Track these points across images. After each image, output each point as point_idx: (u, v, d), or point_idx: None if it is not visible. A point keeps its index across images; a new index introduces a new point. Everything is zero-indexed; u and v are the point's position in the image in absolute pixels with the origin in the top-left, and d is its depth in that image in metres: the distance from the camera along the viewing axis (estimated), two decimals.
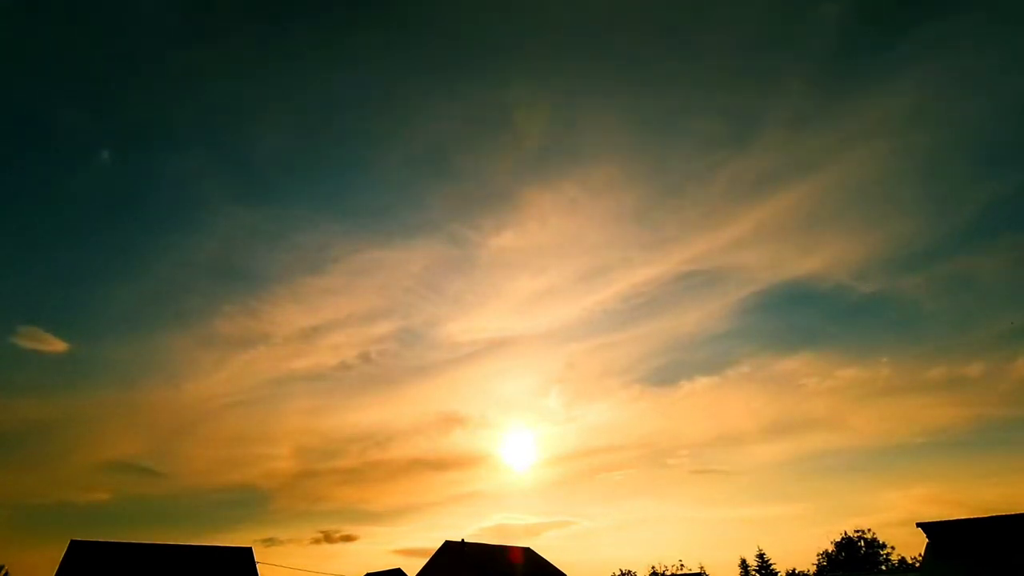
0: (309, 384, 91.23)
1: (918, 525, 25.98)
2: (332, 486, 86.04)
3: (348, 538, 72.91)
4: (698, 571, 60.32)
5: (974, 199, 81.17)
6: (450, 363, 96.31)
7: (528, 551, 46.48)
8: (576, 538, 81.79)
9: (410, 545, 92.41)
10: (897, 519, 71.92)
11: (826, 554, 60.14)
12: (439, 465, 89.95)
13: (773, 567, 61.73)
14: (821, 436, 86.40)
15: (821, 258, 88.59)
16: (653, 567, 65.98)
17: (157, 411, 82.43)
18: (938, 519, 25.68)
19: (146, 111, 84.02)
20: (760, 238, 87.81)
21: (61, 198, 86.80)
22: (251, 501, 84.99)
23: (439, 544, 40.49)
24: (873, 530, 59.39)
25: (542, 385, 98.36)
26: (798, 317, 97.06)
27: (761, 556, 62.01)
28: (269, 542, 67.29)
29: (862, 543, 59.07)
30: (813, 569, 60.99)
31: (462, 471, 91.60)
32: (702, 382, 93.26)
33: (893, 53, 79.96)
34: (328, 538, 71.98)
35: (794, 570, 62.65)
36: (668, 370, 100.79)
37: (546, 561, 46.16)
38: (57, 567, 28.44)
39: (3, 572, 29.62)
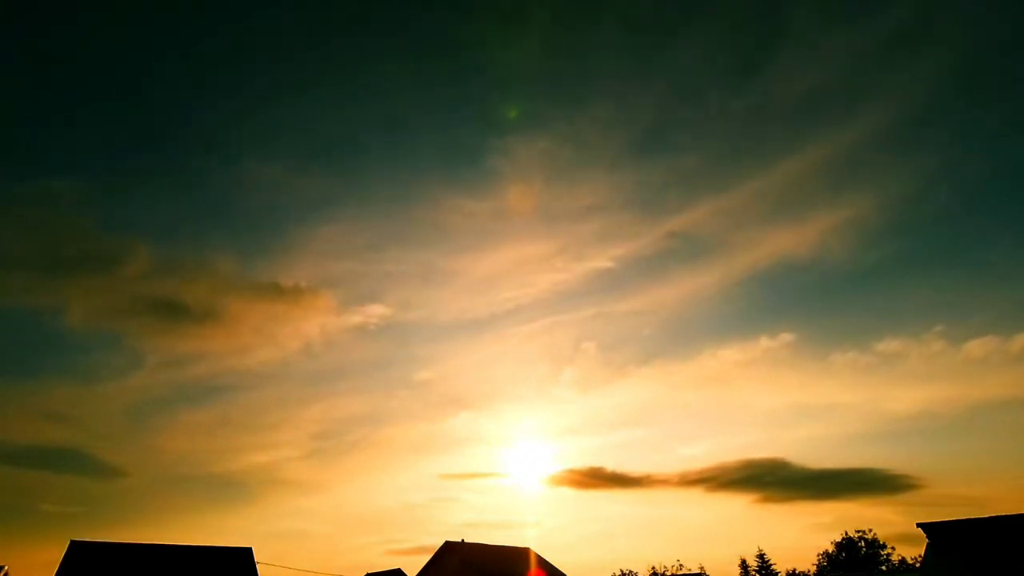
0: (255, 378, 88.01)
1: (918, 525, 25.95)
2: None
3: None
4: (698, 571, 60.30)
5: None
6: (421, 355, 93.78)
7: (529, 551, 46.48)
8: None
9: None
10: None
11: (826, 554, 60.21)
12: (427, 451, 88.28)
13: (773, 567, 61.76)
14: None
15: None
16: (653, 567, 66.09)
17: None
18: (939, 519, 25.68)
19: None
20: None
21: None
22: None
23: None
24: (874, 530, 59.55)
25: (526, 370, 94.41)
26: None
27: (761, 556, 62.06)
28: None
29: (862, 543, 59.12)
30: (813, 569, 61.07)
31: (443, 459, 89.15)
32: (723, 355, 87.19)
33: None
34: None
35: (794, 570, 62.75)
36: (677, 343, 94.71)
37: (547, 561, 46.15)
38: (57, 567, 28.48)
39: (3, 572, 29.67)
